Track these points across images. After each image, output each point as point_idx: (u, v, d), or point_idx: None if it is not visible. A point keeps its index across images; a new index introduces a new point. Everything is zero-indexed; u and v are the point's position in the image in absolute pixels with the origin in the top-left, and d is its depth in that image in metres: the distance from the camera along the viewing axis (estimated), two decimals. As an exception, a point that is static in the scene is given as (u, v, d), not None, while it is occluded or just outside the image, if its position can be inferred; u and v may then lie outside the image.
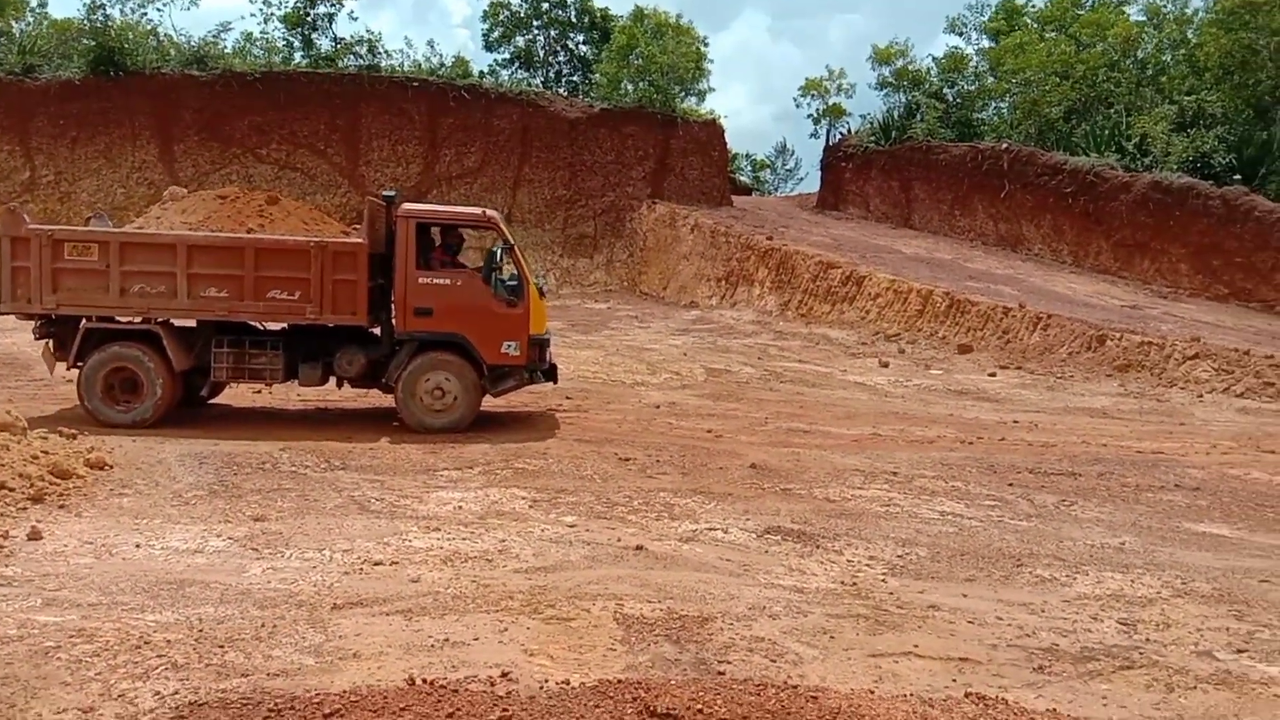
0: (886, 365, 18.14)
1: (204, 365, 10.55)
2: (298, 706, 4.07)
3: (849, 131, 36.78)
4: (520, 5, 39.94)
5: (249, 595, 5.45)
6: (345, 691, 4.22)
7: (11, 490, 7.04)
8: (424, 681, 4.34)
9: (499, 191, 29.96)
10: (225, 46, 32.28)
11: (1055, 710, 4.44)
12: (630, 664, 4.70)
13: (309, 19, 34.65)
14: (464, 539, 6.71)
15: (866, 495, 8.57)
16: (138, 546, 6.31)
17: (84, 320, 10.30)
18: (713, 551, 6.74)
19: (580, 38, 40.52)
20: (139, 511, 7.17)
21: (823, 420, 12.48)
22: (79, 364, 10.23)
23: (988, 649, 5.16)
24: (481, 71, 37.79)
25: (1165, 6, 31.79)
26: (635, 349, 18.90)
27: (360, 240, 10.54)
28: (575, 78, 40.01)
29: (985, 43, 36.79)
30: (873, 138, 34.10)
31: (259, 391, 12.40)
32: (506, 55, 40.34)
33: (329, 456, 9.14)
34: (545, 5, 39.66)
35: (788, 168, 54.30)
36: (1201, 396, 15.71)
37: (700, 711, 4.12)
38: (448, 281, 10.64)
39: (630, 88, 33.84)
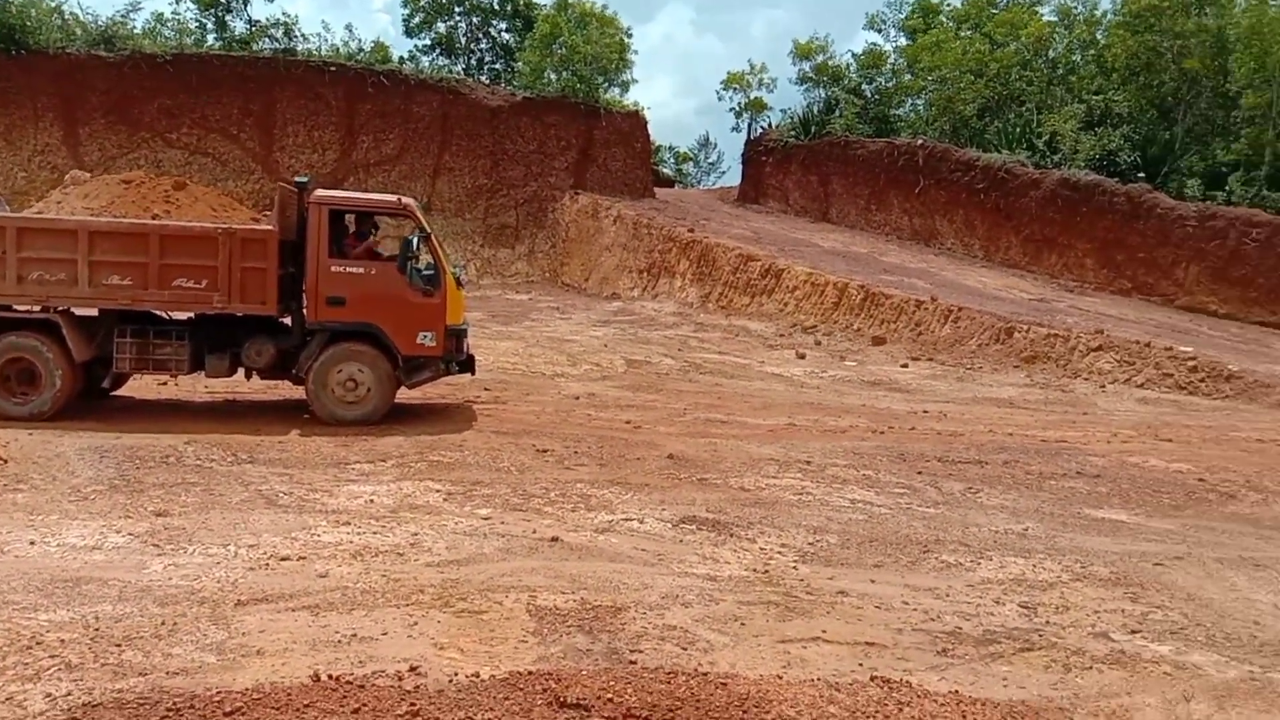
0: (803, 356, 18.41)
1: (106, 356, 10.19)
2: (197, 705, 3.97)
3: (770, 126, 37.22)
4: (442, -9, 39.45)
5: (149, 592, 5.29)
6: (247, 689, 4.14)
7: (-106, 486, 6.73)
8: (330, 678, 4.27)
9: (418, 179, 29.58)
10: (135, 27, 31.38)
11: (957, 692, 4.56)
12: (542, 655, 4.68)
13: (223, 1, 33.71)
14: (375, 533, 6.61)
15: (781, 484, 8.68)
16: (32, 544, 6.09)
17: (-22, 309, 9.87)
18: (628, 542, 6.75)
19: (503, 25, 40.22)
20: (34, 507, 6.91)
21: (740, 411, 12.60)
22: (-28, 355, 9.80)
23: (893, 633, 5.28)
24: (401, 57, 37.30)
25: (1076, 7, 32.91)
26: (556, 340, 18.84)
27: (270, 227, 10.29)
28: (497, 65, 39.70)
29: (903, 40, 37.56)
30: (793, 132, 34.54)
31: (164, 383, 12.04)
32: (427, 41, 39.86)
33: (236, 450, 8.91)
34: (468, -9, 39.23)
35: (710, 161, 54.82)
36: (1104, 387, 16.28)
37: (610, 701, 4.13)
38: (361, 270, 10.44)
39: (553, 77, 33.71)
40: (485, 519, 7.12)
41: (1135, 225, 24.16)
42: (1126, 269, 24.47)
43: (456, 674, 4.39)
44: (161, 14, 34.64)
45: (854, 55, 37.62)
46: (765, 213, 33.17)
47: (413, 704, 4.05)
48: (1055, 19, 33.06)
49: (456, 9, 39.43)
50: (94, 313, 10.22)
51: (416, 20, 39.62)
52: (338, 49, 32.82)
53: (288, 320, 10.53)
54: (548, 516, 7.29)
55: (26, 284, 9.78)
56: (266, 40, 32.99)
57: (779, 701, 4.26)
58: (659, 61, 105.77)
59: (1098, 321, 18.96)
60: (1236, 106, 25.98)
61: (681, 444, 10.04)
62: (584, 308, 24.78)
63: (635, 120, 33.11)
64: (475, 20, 39.76)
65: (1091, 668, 4.99)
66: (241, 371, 10.62)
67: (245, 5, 34.06)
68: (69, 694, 4.05)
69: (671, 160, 53.56)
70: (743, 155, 36.73)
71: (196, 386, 12.02)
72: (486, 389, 12.88)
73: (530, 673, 4.42)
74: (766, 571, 6.23)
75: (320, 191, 10.78)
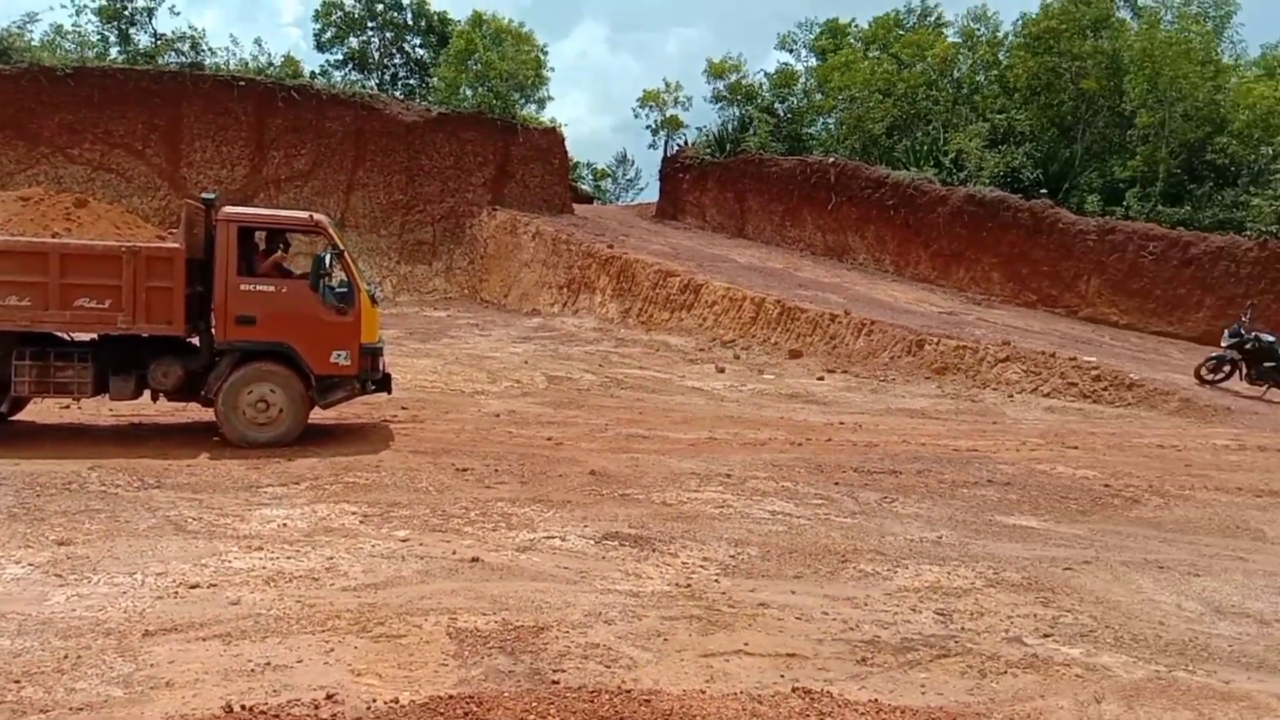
0: (723, 370, 18.58)
1: (4, 379, 9.77)
2: (101, 743, 3.82)
3: (686, 143, 37.56)
4: (354, 6, 39.00)
5: (50, 625, 5.07)
6: (155, 723, 3.99)
7: None
8: (243, 708, 4.15)
9: (331, 195, 29.06)
10: (32, 39, 30.20)
11: (877, 700, 4.63)
12: (463, 678, 4.62)
13: (126, 13, 32.82)
14: (289, 558, 6.45)
15: (702, 498, 8.72)
16: (-80, 578, 5.79)
17: None
18: (550, 560, 6.71)
19: (417, 41, 39.91)
20: (-77, 540, 6.57)
21: (661, 425, 12.65)
22: None
23: (814, 644, 5.34)
24: (313, 72, 36.73)
25: (979, 29, 33.94)
26: (475, 357, 18.67)
27: (176, 245, 10.00)
28: (412, 81, 39.36)
29: (814, 60, 38.34)
30: (708, 150, 34.93)
31: (67, 407, 11.58)
32: (340, 56, 39.38)
33: (143, 474, 8.60)
34: (380, 6, 38.84)
35: (628, 177, 55.09)
36: (1012, 396, 16.79)
37: (533, 722, 4.09)
38: (272, 288, 10.21)
39: (469, 93, 33.54)
40: (403, 541, 7.00)
41: (1039, 240, 25.03)
42: (1031, 282, 25.30)
43: (375, 700, 4.30)
44: (61, 26, 33.52)
45: (766, 75, 38.30)
46: (683, 229, 33.43)
47: (330, 733, 3.95)
48: (959, 40, 34.12)
49: (369, 24, 39.03)
50: (-11, 335, 9.80)
51: (328, 35, 39.12)
52: (247, 63, 32.21)
53: (195, 340, 10.23)
54: (468, 536, 7.20)
55: (-85, 305, 9.33)
56: (173, 54, 32.16)
57: (702, 716, 4.26)
58: (575, 78, 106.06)
59: (1005, 333, 19.55)
60: (1132, 125, 27.11)
61: (603, 460, 10.03)
62: (504, 324, 24.62)
63: (552, 136, 33.08)
64: (389, 35, 39.40)
65: (1006, 672, 5.11)
66: (148, 394, 10.27)
67: (150, 18, 33.20)
68: (-38, 736, 3.86)
69: (589, 177, 53.69)
70: (660, 172, 36.98)
71: (100, 410, 11.59)
72: (404, 408, 12.69)
73: (451, 696, 4.35)
74: (689, 586, 6.25)
75: (228, 208, 10.53)
